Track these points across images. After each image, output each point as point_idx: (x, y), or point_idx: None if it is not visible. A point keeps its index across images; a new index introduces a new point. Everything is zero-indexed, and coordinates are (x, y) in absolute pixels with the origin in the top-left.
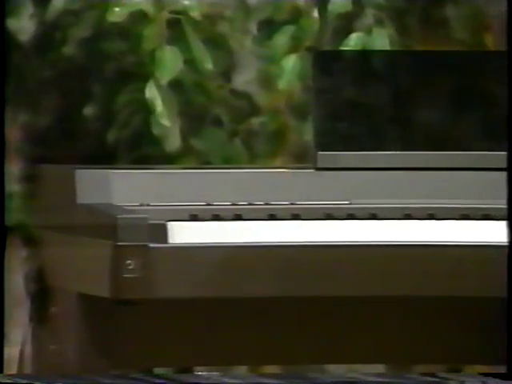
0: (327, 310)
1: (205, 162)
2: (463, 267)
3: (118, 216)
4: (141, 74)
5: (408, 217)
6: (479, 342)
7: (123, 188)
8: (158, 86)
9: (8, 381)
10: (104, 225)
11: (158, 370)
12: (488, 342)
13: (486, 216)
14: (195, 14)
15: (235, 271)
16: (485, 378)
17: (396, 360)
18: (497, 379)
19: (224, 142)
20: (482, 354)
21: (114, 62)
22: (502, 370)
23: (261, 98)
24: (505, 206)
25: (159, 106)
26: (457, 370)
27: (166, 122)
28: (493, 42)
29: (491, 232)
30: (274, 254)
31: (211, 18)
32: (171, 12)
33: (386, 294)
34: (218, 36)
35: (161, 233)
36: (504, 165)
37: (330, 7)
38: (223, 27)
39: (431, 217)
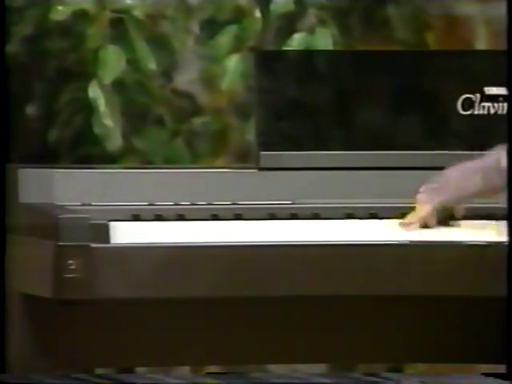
0: (270, 310)
1: (147, 162)
2: (407, 265)
3: (60, 216)
4: (83, 73)
5: (350, 216)
6: (420, 340)
7: (65, 187)
8: (101, 86)
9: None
10: (46, 224)
11: (99, 371)
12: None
13: None
14: (138, 13)
15: (177, 271)
16: (443, 378)
17: (336, 359)
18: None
19: (166, 141)
20: (419, 352)
21: (57, 60)
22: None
23: (203, 97)
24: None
25: (102, 105)
26: (397, 370)
27: (109, 121)
28: (434, 41)
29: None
30: (216, 254)
31: (154, 18)
32: (114, 11)
33: (329, 293)
34: (160, 35)
35: (103, 233)
36: (446, 164)
37: (273, 7)
38: (166, 27)
39: (373, 216)
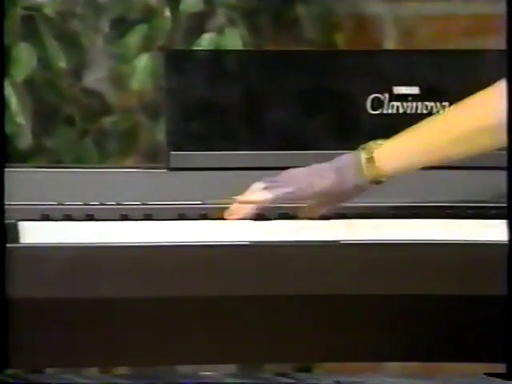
0: (181, 310)
1: (56, 161)
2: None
3: None
4: None
5: (262, 217)
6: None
7: None
8: (13, 84)
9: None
10: None
11: (8, 371)
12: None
13: (341, 215)
14: (48, 11)
15: (87, 272)
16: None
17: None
18: (498, 379)
19: (75, 140)
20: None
21: None
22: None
23: (112, 97)
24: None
25: (14, 103)
26: (307, 370)
27: (21, 120)
28: (343, 40)
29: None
30: (126, 254)
31: (64, 16)
32: (25, 9)
33: (236, 293)
34: (70, 34)
35: (12, 232)
36: None
37: (182, 6)
38: (76, 25)
39: (283, 216)
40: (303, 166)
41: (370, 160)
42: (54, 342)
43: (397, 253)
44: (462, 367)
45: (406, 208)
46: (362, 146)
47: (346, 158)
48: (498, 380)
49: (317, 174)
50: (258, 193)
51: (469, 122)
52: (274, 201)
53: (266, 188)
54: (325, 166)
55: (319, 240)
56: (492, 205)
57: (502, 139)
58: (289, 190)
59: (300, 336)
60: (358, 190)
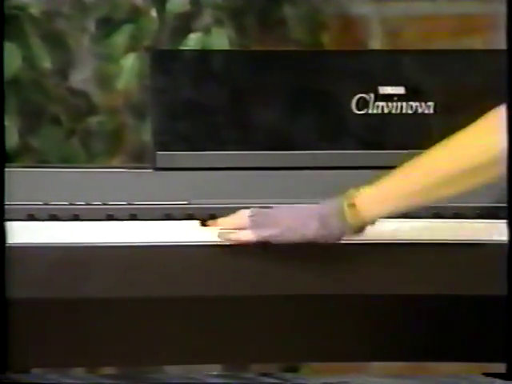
0: (167, 311)
1: (42, 161)
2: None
3: None
4: None
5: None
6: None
7: None
8: None
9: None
10: None
11: None
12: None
13: None
14: (34, 10)
15: (73, 272)
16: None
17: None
18: (498, 379)
19: (62, 140)
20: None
21: None
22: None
23: (99, 97)
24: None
25: None
26: (292, 370)
27: (6, 120)
28: (329, 41)
29: None
30: (112, 254)
31: (49, 15)
32: (10, 8)
33: (221, 293)
34: (56, 33)
35: None
36: (342, 163)
37: (168, 7)
38: (61, 25)
39: None
40: (289, 205)
41: (353, 207)
42: (38, 342)
43: (392, 253)
44: (460, 367)
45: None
46: (344, 194)
47: (329, 206)
48: (498, 380)
49: (301, 220)
50: (243, 232)
51: (459, 162)
52: (256, 242)
53: (251, 226)
54: (309, 212)
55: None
56: (492, 205)
57: (497, 173)
58: (273, 232)
59: (285, 336)
60: (341, 237)
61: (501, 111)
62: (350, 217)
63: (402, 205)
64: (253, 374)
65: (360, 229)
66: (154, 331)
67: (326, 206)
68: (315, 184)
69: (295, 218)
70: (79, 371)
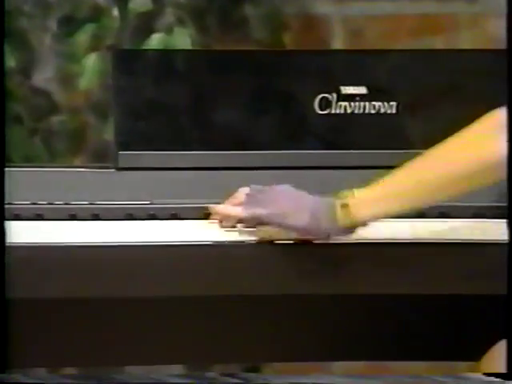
0: (129, 311)
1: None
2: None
3: None
4: None
5: (209, 216)
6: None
7: None
8: None
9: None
10: None
11: None
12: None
13: None
14: None
15: (31, 272)
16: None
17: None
18: (498, 379)
19: (24, 140)
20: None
21: None
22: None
23: (61, 96)
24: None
25: None
26: (255, 370)
27: None
28: (291, 40)
29: None
30: (74, 254)
31: (11, 14)
32: None
33: (184, 293)
34: (18, 32)
35: None
36: (306, 163)
37: (131, 6)
38: (23, 23)
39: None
40: (289, 184)
41: (346, 208)
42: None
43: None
44: (423, 367)
45: None
46: (337, 194)
47: (323, 202)
48: (498, 380)
49: (293, 209)
50: (235, 208)
51: (452, 167)
52: (245, 219)
53: (246, 203)
54: (303, 203)
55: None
56: (492, 205)
57: (493, 179)
58: (263, 212)
59: (247, 336)
60: (329, 236)
61: (496, 115)
62: (341, 217)
63: (395, 208)
64: (214, 374)
65: (350, 230)
66: (114, 332)
67: (320, 202)
68: (278, 184)
69: (290, 205)
70: (40, 371)
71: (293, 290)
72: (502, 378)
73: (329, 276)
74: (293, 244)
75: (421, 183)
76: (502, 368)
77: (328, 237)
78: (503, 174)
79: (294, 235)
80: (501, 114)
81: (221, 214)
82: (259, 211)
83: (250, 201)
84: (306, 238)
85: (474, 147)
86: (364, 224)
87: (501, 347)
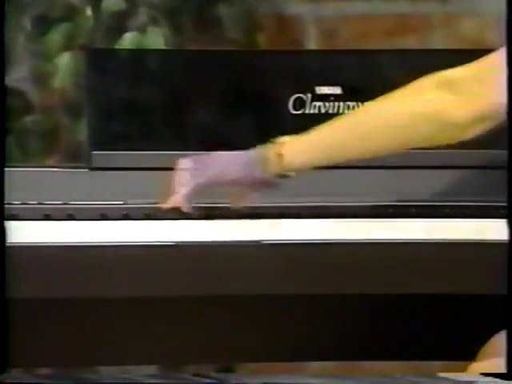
0: (103, 311)
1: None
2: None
3: None
4: None
5: (187, 216)
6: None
7: None
8: None
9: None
10: None
11: None
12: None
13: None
14: None
15: (10, 272)
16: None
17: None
18: (497, 379)
19: None
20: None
21: None
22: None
23: (34, 95)
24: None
25: None
26: (229, 370)
27: None
28: (265, 40)
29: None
30: (48, 254)
31: None
32: None
33: (159, 294)
34: None
35: None
36: None
37: (104, 5)
38: None
39: (211, 216)
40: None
41: (278, 155)
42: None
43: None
44: (396, 366)
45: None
46: (271, 141)
47: (255, 151)
48: (498, 380)
49: (227, 164)
50: (175, 196)
51: (379, 118)
52: (195, 189)
53: (192, 176)
54: (235, 158)
55: (240, 240)
56: (492, 204)
57: (433, 128)
58: (209, 174)
59: (222, 336)
60: (266, 183)
61: (434, 75)
62: (273, 165)
63: (326, 157)
64: (188, 375)
65: (282, 176)
66: (88, 332)
67: (253, 152)
68: None
69: (225, 163)
70: (15, 371)
71: (267, 291)
72: (502, 378)
73: (302, 276)
74: (273, 244)
75: (352, 134)
76: (498, 364)
77: (266, 184)
78: (438, 125)
79: (239, 189)
80: (438, 74)
81: (173, 206)
82: (206, 174)
83: (194, 171)
84: (248, 188)
85: (409, 100)
86: (296, 171)
87: (496, 343)
